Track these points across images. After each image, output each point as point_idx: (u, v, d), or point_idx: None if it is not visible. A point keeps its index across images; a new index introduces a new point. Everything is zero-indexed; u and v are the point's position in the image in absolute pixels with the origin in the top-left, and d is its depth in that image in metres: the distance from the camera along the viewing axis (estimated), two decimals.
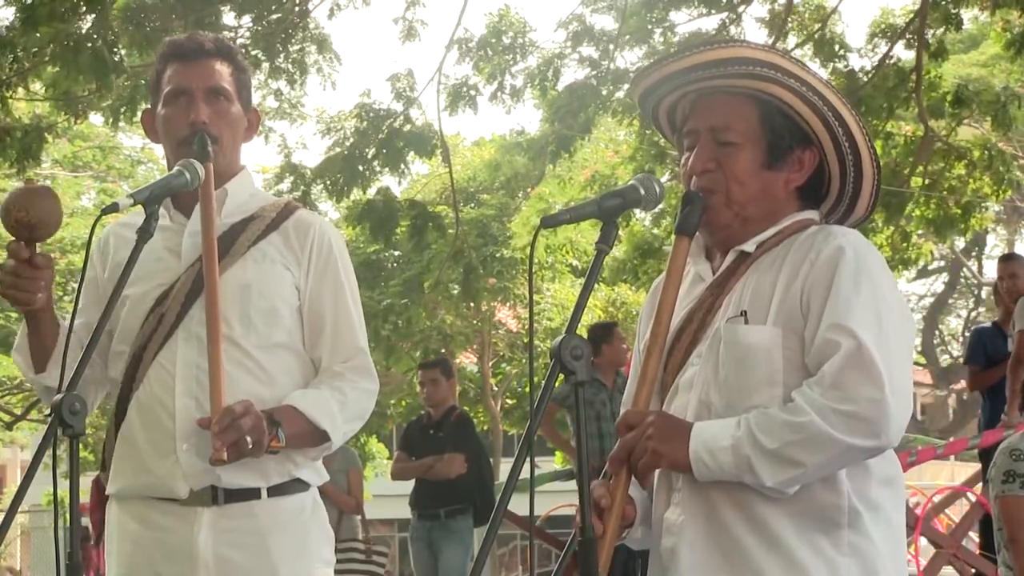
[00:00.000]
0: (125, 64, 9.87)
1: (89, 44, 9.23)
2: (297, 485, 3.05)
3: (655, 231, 14.92)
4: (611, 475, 2.46)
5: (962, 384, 24.13)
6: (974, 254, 31.13)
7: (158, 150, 3.76)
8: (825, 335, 2.35)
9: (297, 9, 11.20)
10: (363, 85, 46.61)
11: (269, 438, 2.89)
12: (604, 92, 12.13)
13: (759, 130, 2.53)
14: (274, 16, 10.98)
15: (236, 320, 3.01)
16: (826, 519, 2.40)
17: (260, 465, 2.96)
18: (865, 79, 11.64)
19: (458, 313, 21.98)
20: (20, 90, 9.93)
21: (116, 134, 21.56)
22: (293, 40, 11.24)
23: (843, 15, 18.66)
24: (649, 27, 12.60)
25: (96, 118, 12.10)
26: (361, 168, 11.50)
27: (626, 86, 11.63)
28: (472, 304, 20.32)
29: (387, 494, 18.94)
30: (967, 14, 12.04)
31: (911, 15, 12.33)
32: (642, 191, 2.47)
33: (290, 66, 11.32)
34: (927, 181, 12.52)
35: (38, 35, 9.10)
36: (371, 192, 12.14)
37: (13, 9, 9.47)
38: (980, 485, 9.18)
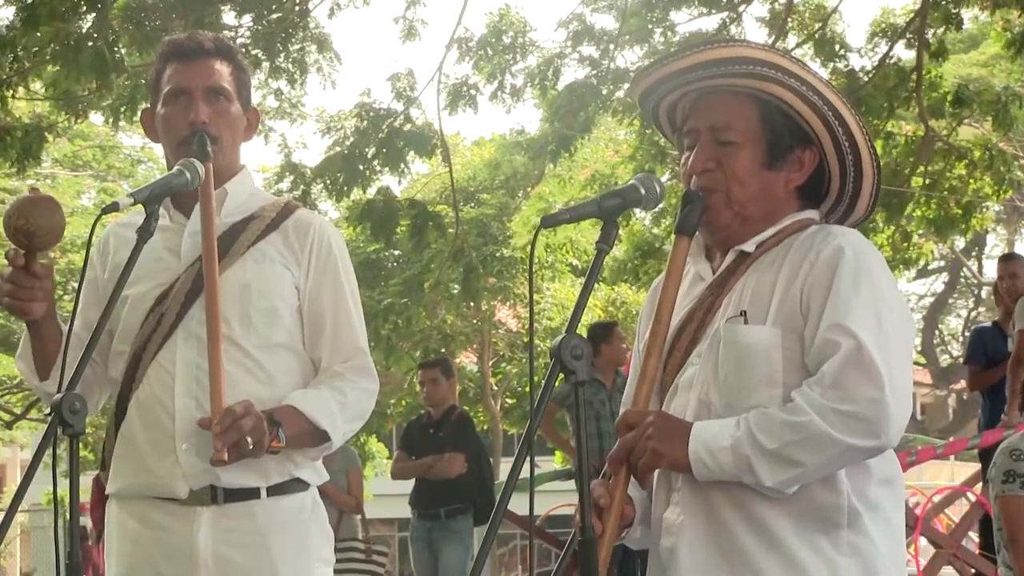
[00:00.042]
0: (125, 63, 9.87)
1: (89, 43, 9.23)
2: (297, 485, 3.05)
3: (655, 231, 14.92)
4: (610, 475, 2.46)
5: (962, 384, 24.13)
6: (974, 254, 31.13)
7: (158, 149, 3.75)
8: (825, 335, 2.35)
9: (297, 9, 11.21)
10: (363, 85, 46.64)
11: (270, 439, 2.89)
12: (604, 92, 12.14)
13: (759, 130, 2.53)
14: (274, 16, 10.98)
15: (236, 320, 3.01)
16: (826, 519, 2.39)
17: (260, 465, 2.96)
18: (865, 79, 11.64)
19: (458, 313, 21.97)
20: (20, 89, 9.93)
21: (116, 133, 21.56)
22: (293, 40, 11.25)
23: (843, 15, 18.65)
24: (649, 27, 12.60)
25: (96, 117, 12.11)
26: (361, 168, 11.51)
27: (626, 86, 11.63)
28: (472, 304, 20.32)
29: (387, 494, 18.95)
30: (967, 14, 12.04)
31: (911, 15, 12.34)
32: (642, 191, 2.46)
33: (290, 66, 11.33)
34: (928, 181, 12.52)
35: (38, 34, 9.10)
36: (371, 192, 12.14)
37: (13, 9, 9.48)
38: (980, 485, 9.18)
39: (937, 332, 32.02)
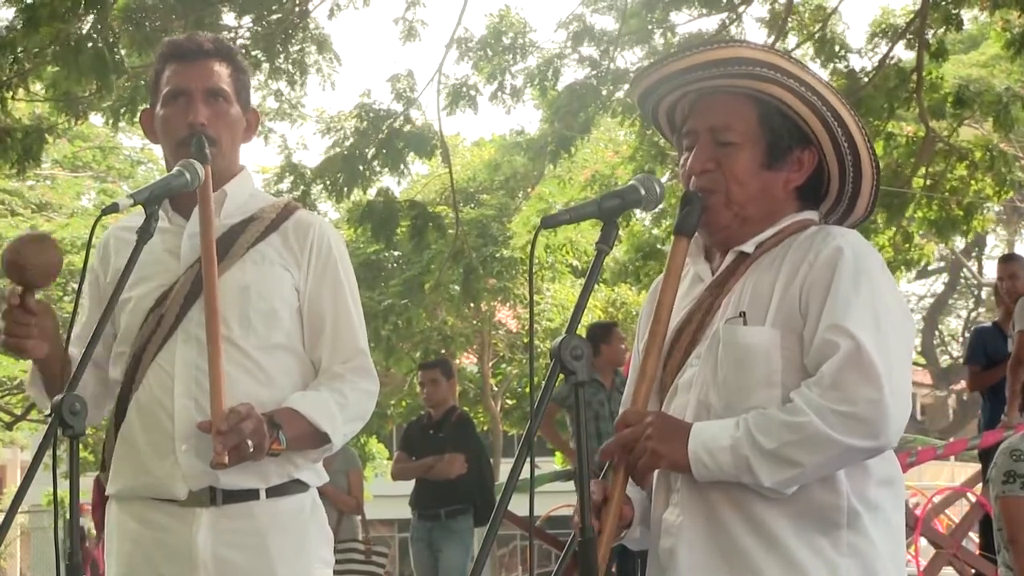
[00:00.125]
0: (125, 64, 9.87)
1: (89, 44, 9.24)
2: (296, 486, 3.05)
3: (655, 232, 14.92)
4: (605, 469, 2.46)
5: (962, 384, 24.13)
6: (974, 254, 31.14)
7: (158, 151, 3.75)
8: (824, 336, 2.35)
9: (297, 9, 11.21)
10: (363, 85, 46.68)
11: (270, 441, 2.89)
12: (604, 92, 12.14)
13: (758, 130, 2.53)
14: (274, 16, 10.98)
15: (235, 321, 3.01)
16: (825, 519, 2.39)
17: (260, 467, 2.96)
18: (866, 79, 11.64)
19: (458, 314, 21.97)
20: (20, 91, 9.93)
21: (116, 134, 21.57)
22: (293, 40, 11.25)
23: (843, 15, 18.66)
24: (649, 27, 12.60)
25: (96, 118, 12.11)
26: (361, 168, 11.51)
27: (626, 86, 11.63)
28: (472, 304, 20.31)
29: (387, 494, 18.94)
30: (967, 14, 12.04)
31: (911, 15, 12.33)
32: (642, 191, 2.46)
33: (290, 66, 11.33)
34: (928, 182, 12.52)
35: (38, 36, 9.10)
36: (371, 192, 12.14)
37: (13, 10, 9.47)
38: (980, 485, 9.18)
39: (937, 332, 32.03)
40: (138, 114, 9.39)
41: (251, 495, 2.99)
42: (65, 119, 10.84)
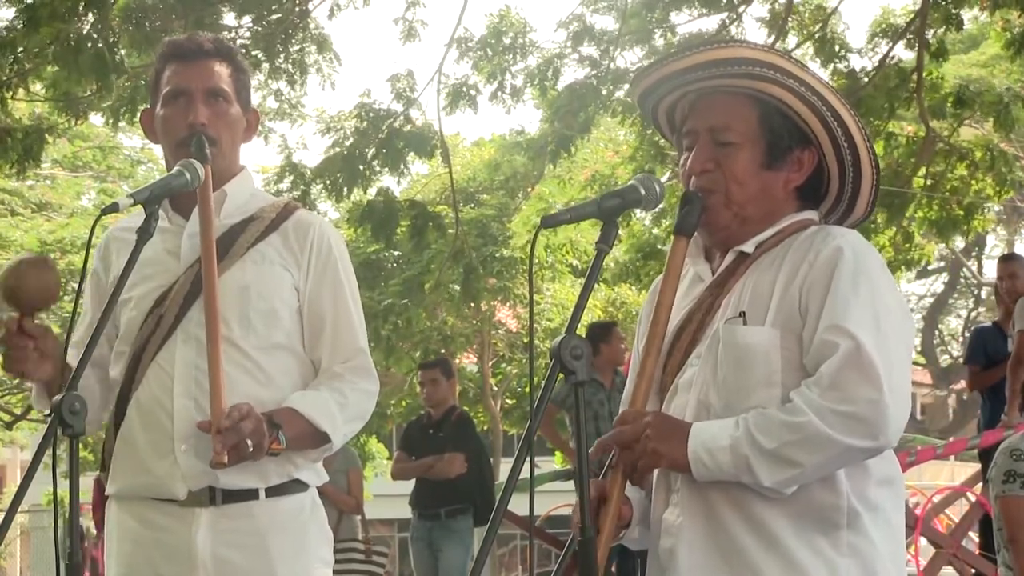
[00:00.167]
0: (125, 64, 9.87)
1: (89, 44, 9.23)
2: (296, 486, 3.05)
3: (655, 232, 14.92)
4: (605, 468, 2.46)
5: (962, 384, 24.12)
6: (974, 254, 31.13)
7: (158, 150, 3.75)
8: (823, 336, 2.35)
9: (297, 9, 11.20)
10: (363, 85, 46.67)
11: (269, 441, 2.89)
12: (604, 92, 12.13)
13: (758, 130, 2.53)
14: (274, 16, 10.98)
15: (235, 321, 3.01)
16: (825, 519, 2.39)
17: (259, 466, 2.96)
18: (866, 79, 11.64)
19: (458, 313, 21.97)
20: (20, 91, 9.93)
21: (116, 134, 21.57)
22: (293, 40, 11.24)
23: (843, 15, 18.66)
24: (649, 27, 12.60)
25: (96, 118, 12.11)
26: (361, 168, 11.51)
27: (626, 86, 11.63)
28: (472, 304, 20.31)
29: (387, 494, 18.95)
30: (967, 14, 12.04)
31: (911, 15, 12.33)
32: (642, 191, 2.47)
33: (290, 66, 11.33)
34: (929, 182, 12.51)
35: (38, 35, 9.10)
36: (371, 192, 12.14)
37: (13, 10, 9.47)
38: (980, 485, 9.18)
39: (937, 332, 32.03)
40: (138, 114, 9.40)
41: (250, 495, 2.99)
42: (65, 119, 10.83)
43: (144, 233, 2.73)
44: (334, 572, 3.14)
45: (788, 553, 2.38)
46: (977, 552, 9.09)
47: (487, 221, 21.49)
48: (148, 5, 9.92)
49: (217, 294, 2.95)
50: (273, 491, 3.01)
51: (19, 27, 9.28)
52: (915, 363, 27.64)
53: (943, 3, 11.15)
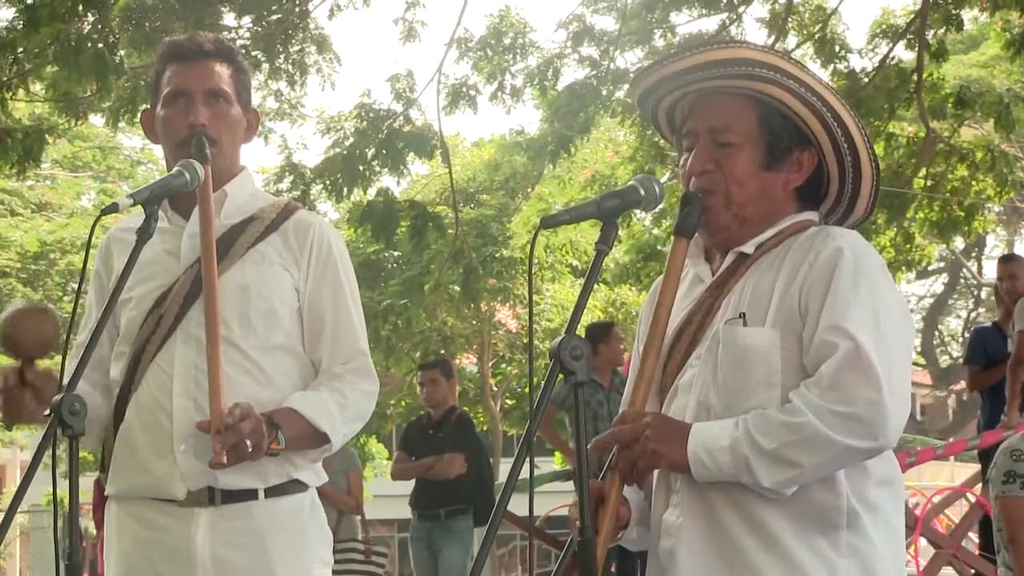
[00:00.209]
0: (125, 65, 9.87)
1: (89, 44, 9.23)
2: (295, 486, 3.05)
3: (655, 232, 14.92)
4: (604, 469, 2.46)
5: (962, 385, 24.13)
6: (974, 255, 31.14)
7: (158, 150, 3.75)
8: (823, 336, 2.35)
9: (297, 10, 11.21)
10: (363, 85, 46.66)
11: (269, 441, 2.89)
12: (604, 92, 12.14)
13: (758, 131, 2.53)
14: (274, 17, 10.98)
15: (235, 322, 3.01)
16: (825, 520, 2.39)
17: (258, 467, 2.96)
18: (866, 80, 11.64)
19: (458, 314, 21.97)
20: (20, 91, 9.93)
21: (116, 135, 21.58)
22: (293, 40, 11.25)
23: (843, 15, 18.65)
24: (649, 28, 12.60)
25: (96, 119, 12.11)
26: (361, 168, 11.51)
27: (626, 86, 11.63)
28: (472, 305, 20.31)
29: (387, 494, 18.95)
30: (967, 14, 12.04)
31: (912, 16, 12.33)
32: (642, 192, 2.46)
33: (290, 67, 11.33)
34: (929, 183, 12.51)
35: (38, 35, 9.10)
36: (371, 192, 12.14)
37: (13, 10, 9.47)
38: (980, 486, 9.18)
39: (937, 333, 32.03)
40: (138, 114, 9.41)
41: (250, 495, 2.99)
42: (65, 119, 10.84)
43: (144, 233, 2.73)
44: (334, 572, 3.14)
45: (788, 554, 2.38)
46: (977, 552, 9.09)
47: (487, 221, 21.49)
48: (148, 5, 9.93)
49: (217, 294, 2.95)
50: (272, 491, 3.01)
51: (19, 27, 9.28)
52: (915, 364, 27.64)
53: (943, 3, 11.15)
